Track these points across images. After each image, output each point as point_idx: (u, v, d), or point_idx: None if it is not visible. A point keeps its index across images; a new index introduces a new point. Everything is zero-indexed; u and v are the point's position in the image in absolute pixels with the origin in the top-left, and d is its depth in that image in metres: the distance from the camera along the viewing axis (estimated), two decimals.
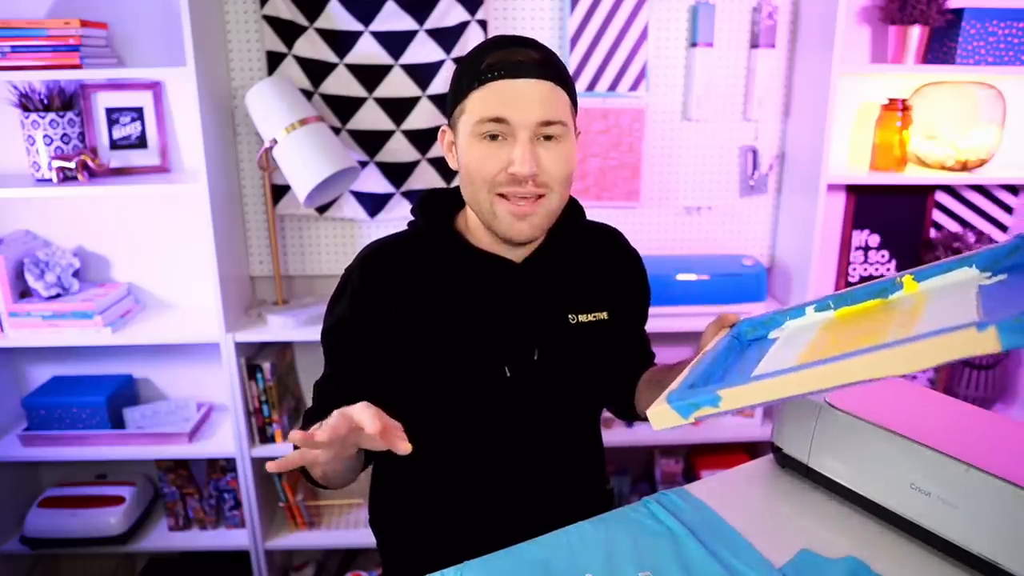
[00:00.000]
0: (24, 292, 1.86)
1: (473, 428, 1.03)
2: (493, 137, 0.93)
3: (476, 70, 0.94)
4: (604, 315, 1.08)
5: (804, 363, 0.70)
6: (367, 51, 1.86)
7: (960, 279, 0.78)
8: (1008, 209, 2.11)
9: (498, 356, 1.02)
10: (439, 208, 1.08)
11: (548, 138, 0.94)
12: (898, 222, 2.10)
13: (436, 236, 1.04)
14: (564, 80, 0.96)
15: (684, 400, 0.75)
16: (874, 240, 2.11)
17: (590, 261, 1.11)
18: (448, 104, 1.01)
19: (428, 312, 1.01)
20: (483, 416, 1.03)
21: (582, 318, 1.07)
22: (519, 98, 0.92)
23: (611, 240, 1.17)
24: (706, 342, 0.93)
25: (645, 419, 1.19)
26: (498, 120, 0.92)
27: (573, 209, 1.09)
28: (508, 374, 1.02)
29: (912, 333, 0.64)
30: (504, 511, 1.05)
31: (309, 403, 2.02)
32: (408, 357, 1.00)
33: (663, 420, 0.77)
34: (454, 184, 1.96)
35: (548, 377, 1.04)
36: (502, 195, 0.95)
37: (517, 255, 1.04)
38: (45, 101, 1.77)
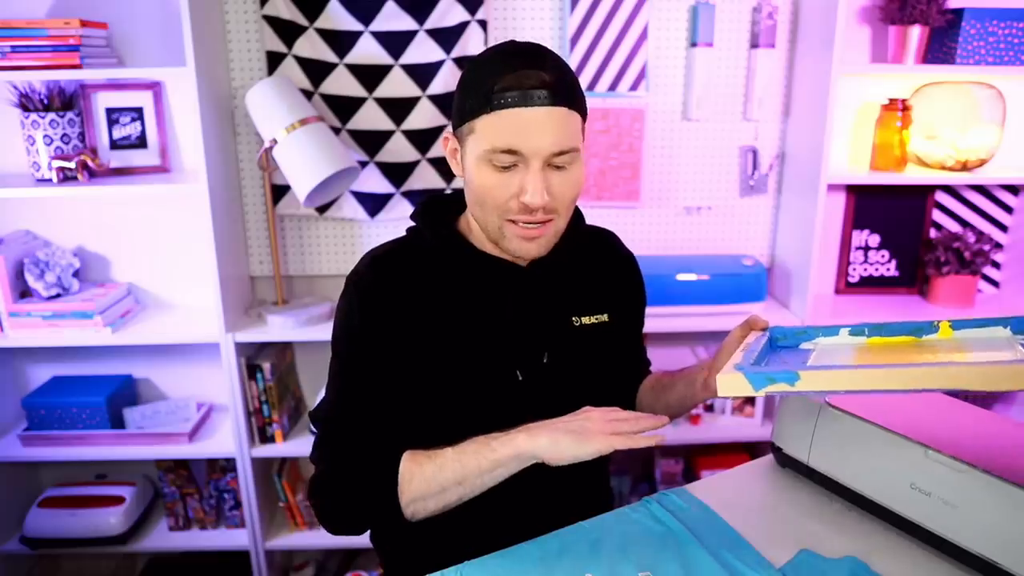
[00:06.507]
0: (24, 292, 1.86)
1: (486, 432, 1.03)
2: (504, 165, 0.92)
3: (487, 93, 0.91)
4: (605, 317, 1.09)
5: (882, 363, 0.73)
6: (367, 51, 1.86)
7: (993, 336, 0.83)
8: (1008, 209, 2.11)
9: (509, 359, 1.02)
10: (440, 213, 1.07)
11: (559, 166, 0.93)
12: (898, 222, 2.10)
13: (440, 241, 1.03)
14: (575, 100, 0.94)
15: (759, 372, 0.76)
16: (874, 240, 2.11)
17: (589, 264, 1.11)
18: (454, 113, 0.99)
19: (437, 317, 1.00)
20: (496, 420, 1.02)
21: (585, 320, 1.07)
22: (532, 128, 0.90)
23: (606, 242, 1.18)
24: (731, 341, 0.94)
25: None
26: (510, 152, 0.91)
27: (574, 215, 1.09)
28: (520, 377, 1.02)
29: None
30: (514, 513, 1.05)
31: (309, 403, 2.00)
32: (420, 363, 1.00)
33: (733, 388, 0.77)
34: (454, 185, 1.97)
35: (558, 380, 1.04)
36: (511, 220, 0.95)
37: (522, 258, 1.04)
38: (45, 101, 1.77)
